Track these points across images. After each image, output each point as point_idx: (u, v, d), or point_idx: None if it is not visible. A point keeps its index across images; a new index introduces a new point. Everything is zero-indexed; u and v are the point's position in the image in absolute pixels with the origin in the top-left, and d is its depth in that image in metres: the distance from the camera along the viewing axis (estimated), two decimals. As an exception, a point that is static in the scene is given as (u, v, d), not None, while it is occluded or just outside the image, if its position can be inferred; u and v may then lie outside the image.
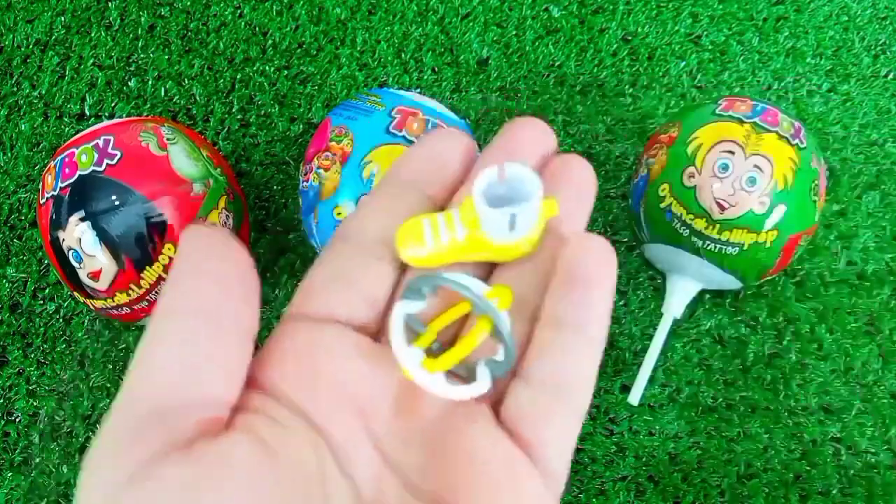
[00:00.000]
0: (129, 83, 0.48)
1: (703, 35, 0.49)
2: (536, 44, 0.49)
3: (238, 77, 0.48)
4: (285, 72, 0.48)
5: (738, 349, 0.43)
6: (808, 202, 0.37)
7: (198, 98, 0.48)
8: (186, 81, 0.48)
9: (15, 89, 0.48)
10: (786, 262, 0.39)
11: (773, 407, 0.42)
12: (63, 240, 0.36)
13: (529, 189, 0.19)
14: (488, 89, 0.48)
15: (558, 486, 0.19)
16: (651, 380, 0.42)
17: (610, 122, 0.47)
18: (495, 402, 0.20)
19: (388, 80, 0.48)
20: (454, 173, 0.22)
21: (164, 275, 0.36)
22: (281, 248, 0.45)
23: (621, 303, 0.44)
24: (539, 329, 0.20)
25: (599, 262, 0.19)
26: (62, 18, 0.49)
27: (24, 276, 0.45)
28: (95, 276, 0.36)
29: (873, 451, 0.41)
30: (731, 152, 0.37)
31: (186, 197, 0.37)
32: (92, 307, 0.39)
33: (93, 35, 0.49)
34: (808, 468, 0.41)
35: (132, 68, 0.49)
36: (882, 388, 0.42)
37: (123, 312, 0.38)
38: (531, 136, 0.22)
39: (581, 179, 0.22)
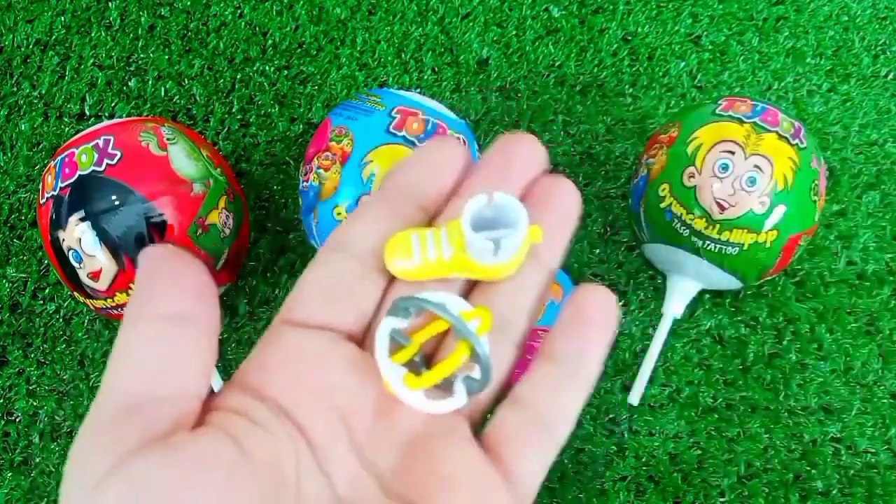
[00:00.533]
0: (129, 83, 0.48)
1: (703, 35, 0.49)
2: (536, 44, 0.49)
3: (238, 77, 0.48)
4: (285, 72, 0.48)
5: (738, 349, 0.43)
6: (808, 202, 0.37)
7: (198, 98, 0.48)
8: (186, 81, 0.48)
9: (15, 89, 0.48)
10: (786, 262, 0.39)
11: (773, 407, 0.42)
12: (63, 240, 0.36)
13: (515, 218, 0.20)
14: (488, 89, 0.48)
15: None
16: (651, 380, 0.42)
17: (610, 122, 0.47)
18: (474, 420, 0.21)
19: (388, 80, 0.48)
20: (448, 184, 0.23)
21: (164, 275, 0.36)
22: (281, 248, 0.45)
23: (621, 303, 0.44)
24: (538, 361, 0.21)
25: (602, 314, 0.21)
26: (62, 18, 0.49)
27: (24, 276, 0.45)
28: (95, 276, 0.36)
29: (873, 451, 0.41)
30: (731, 152, 0.37)
31: (186, 197, 0.37)
32: (92, 307, 0.39)
33: (93, 35, 0.49)
34: (808, 468, 0.41)
35: (132, 68, 0.49)
36: (882, 388, 0.42)
37: (123, 312, 0.38)
38: (524, 154, 0.23)
39: (565, 205, 0.23)
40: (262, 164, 0.47)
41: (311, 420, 0.19)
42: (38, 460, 0.42)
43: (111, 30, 0.49)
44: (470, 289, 0.23)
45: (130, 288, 0.36)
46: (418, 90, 0.48)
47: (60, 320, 0.44)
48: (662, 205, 0.38)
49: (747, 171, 0.36)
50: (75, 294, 0.38)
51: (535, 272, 0.22)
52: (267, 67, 0.48)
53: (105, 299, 0.37)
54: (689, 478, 0.41)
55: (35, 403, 0.43)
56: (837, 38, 0.49)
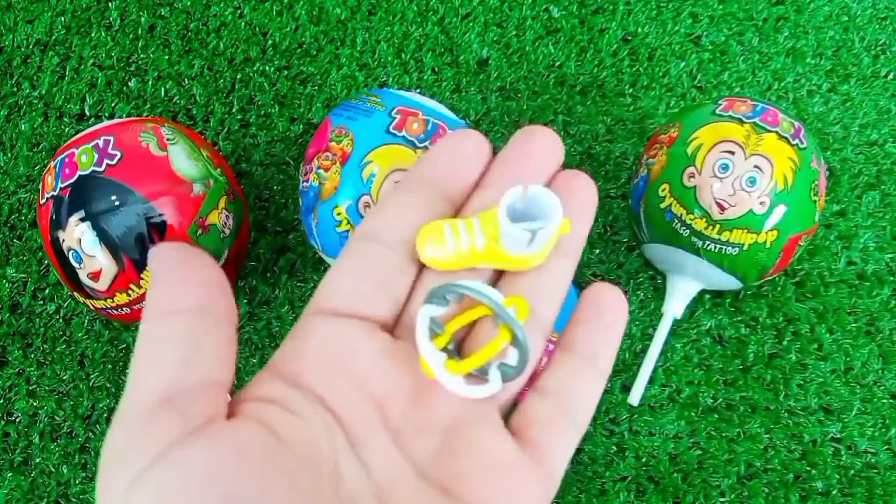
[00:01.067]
0: (129, 83, 0.48)
1: (703, 35, 0.49)
2: (536, 44, 0.49)
3: (238, 77, 0.48)
4: (285, 72, 0.48)
5: (738, 349, 0.43)
6: (808, 202, 0.37)
7: (198, 98, 0.48)
8: (186, 81, 0.48)
9: (15, 89, 0.48)
10: (786, 263, 0.39)
11: (773, 407, 0.42)
12: (63, 240, 0.36)
13: (550, 211, 0.21)
14: (488, 89, 0.48)
15: (552, 488, 0.21)
16: (651, 380, 0.42)
17: (610, 122, 0.47)
18: (502, 409, 0.22)
19: (388, 80, 0.48)
20: (473, 175, 0.24)
21: (164, 275, 0.36)
22: (281, 248, 0.45)
23: (621, 303, 0.44)
24: (559, 352, 0.23)
25: (617, 311, 0.23)
26: (62, 18, 0.49)
27: (24, 276, 0.45)
28: (95, 276, 0.36)
29: (873, 451, 0.41)
30: (731, 152, 0.37)
31: (186, 197, 0.37)
32: (92, 307, 0.39)
33: (93, 35, 0.49)
34: (808, 468, 0.41)
35: (132, 68, 0.49)
36: (882, 388, 0.42)
37: (123, 312, 0.38)
38: (543, 147, 0.23)
39: (585, 198, 0.23)
40: (262, 164, 0.47)
41: (346, 408, 0.20)
42: (38, 460, 0.42)
43: (111, 30, 0.49)
44: (496, 280, 0.23)
45: (130, 288, 0.36)
46: (418, 90, 0.48)
47: (60, 320, 0.44)
48: (662, 205, 0.38)
49: (747, 172, 0.36)
50: (75, 294, 0.38)
51: (561, 263, 0.23)
52: (267, 67, 0.48)
53: (105, 299, 0.37)
54: (689, 478, 0.41)
55: (35, 403, 0.43)
56: (837, 38, 0.49)
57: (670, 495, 0.41)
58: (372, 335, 0.21)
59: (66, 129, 0.47)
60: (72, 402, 0.43)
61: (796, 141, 0.37)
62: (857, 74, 0.48)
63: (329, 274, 0.22)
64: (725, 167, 0.37)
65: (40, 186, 0.38)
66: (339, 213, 0.37)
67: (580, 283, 0.44)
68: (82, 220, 0.35)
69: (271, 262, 0.45)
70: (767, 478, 0.41)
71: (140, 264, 0.36)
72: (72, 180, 0.36)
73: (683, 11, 0.49)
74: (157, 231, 0.36)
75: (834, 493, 0.41)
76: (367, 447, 0.20)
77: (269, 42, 0.49)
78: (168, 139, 0.38)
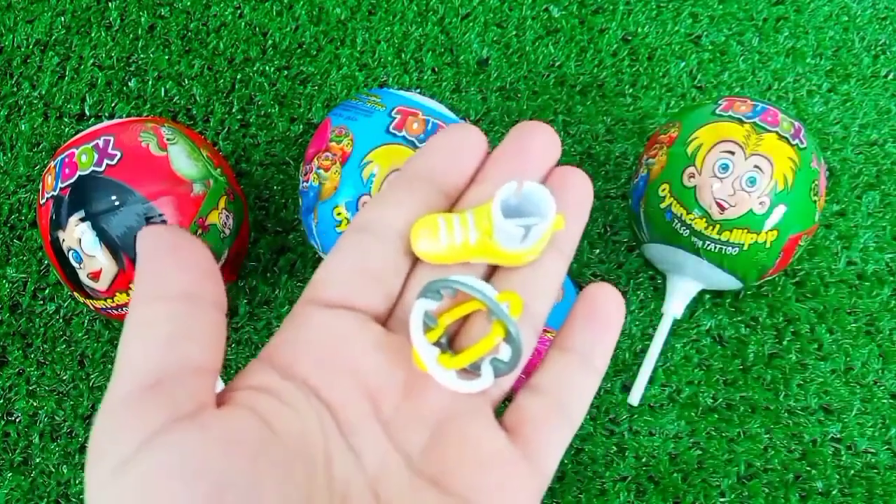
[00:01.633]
0: (129, 83, 0.48)
1: (703, 35, 0.49)
2: (536, 44, 0.49)
3: (238, 77, 0.48)
4: (285, 72, 0.48)
5: (738, 349, 0.43)
6: (808, 202, 0.37)
7: (198, 98, 0.48)
8: (186, 81, 0.48)
9: (15, 89, 0.48)
10: (786, 263, 0.39)
11: (773, 407, 0.42)
12: (63, 240, 0.36)
13: (544, 207, 0.21)
14: (488, 89, 0.48)
15: (544, 484, 0.21)
16: (651, 380, 0.42)
17: (610, 122, 0.47)
18: (494, 405, 0.22)
19: (388, 80, 0.48)
20: (469, 170, 0.24)
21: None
22: (281, 248, 0.45)
23: (621, 303, 0.44)
24: (554, 350, 0.23)
25: (614, 310, 0.23)
26: (62, 18, 0.49)
27: (24, 276, 0.45)
28: (95, 276, 0.36)
29: (873, 451, 0.41)
30: (731, 152, 0.37)
31: (186, 197, 0.37)
32: (92, 307, 0.39)
33: (93, 35, 0.49)
34: (808, 468, 0.41)
35: (132, 68, 0.49)
36: (882, 388, 0.42)
37: (123, 312, 0.38)
38: (541, 143, 0.23)
39: (580, 194, 0.23)
40: (262, 164, 0.47)
41: (339, 399, 0.20)
42: (38, 460, 0.42)
43: (111, 30, 0.49)
44: (490, 275, 0.23)
45: (130, 288, 0.36)
46: (418, 90, 0.48)
47: (60, 320, 0.44)
48: (662, 205, 0.38)
49: (747, 172, 0.36)
50: (75, 294, 0.38)
51: (554, 259, 0.23)
52: (267, 67, 0.48)
53: (105, 299, 0.37)
54: (689, 478, 0.41)
55: (35, 403, 0.43)
56: (837, 38, 0.49)
57: (670, 495, 0.41)
58: (365, 327, 0.21)
59: (66, 129, 0.47)
60: (72, 402, 0.43)
61: (796, 141, 0.37)
62: (857, 74, 0.48)
63: (323, 265, 0.22)
64: (725, 167, 0.37)
65: (40, 186, 0.38)
66: (339, 213, 0.37)
67: (580, 283, 0.44)
68: (82, 220, 0.35)
69: (271, 262, 0.45)
70: (767, 478, 0.41)
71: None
72: (72, 180, 0.36)
73: (683, 11, 0.49)
74: (157, 231, 0.36)
75: (834, 493, 0.41)
76: (360, 438, 0.20)
77: (269, 42, 0.49)
78: (168, 139, 0.38)
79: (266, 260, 0.45)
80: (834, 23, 0.49)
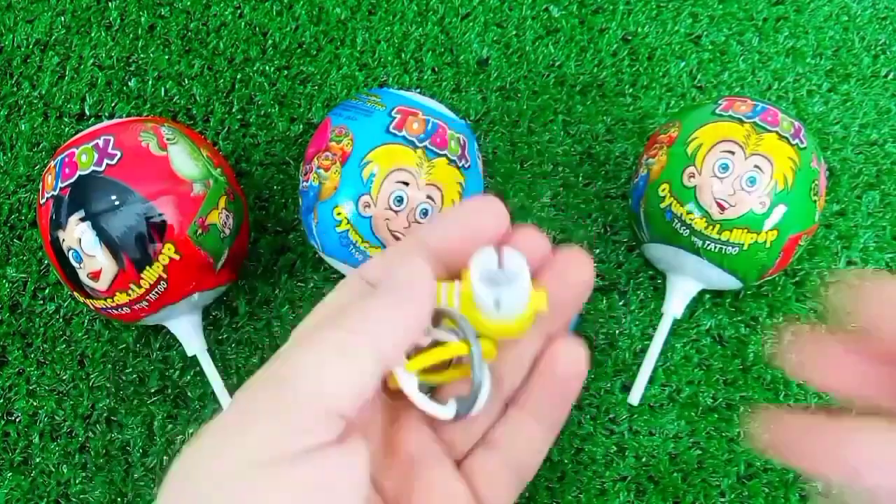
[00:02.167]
0: (129, 83, 0.48)
1: (703, 35, 0.49)
2: (536, 44, 0.49)
3: (238, 77, 0.48)
4: (285, 72, 0.48)
5: (738, 349, 0.43)
6: (808, 202, 0.37)
7: (198, 98, 0.48)
8: (186, 81, 0.48)
9: (15, 89, 0.48)
10: (786, 263, 0.39)
11: (773, 407, 0.42)
12: (63, 240, 0.36)
13: (517, 279, 0.21)
14: (488, 89, 0.48)
15: None
16: (651, 380, 0.42)
17: (610, 122, 0.47)
18: (455, 459, 0.24)
19: (388, 80, 0.48)
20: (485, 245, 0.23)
21: (163, 275, 0.36)
22: (281, 248, 0.45)
23: (621, 303, 0.44)
24: (513, 409, 0.24)
25: (574, 370, 0.23)
26: (62, 18, 0.49)
27: (24, 276, 0.45)
28: (95, 276, 0.36)
29: (873, 451, 0.41)
30: (732, 152, 0.37)
31: (186, 197, 0.37)
32: (92, 307, 0.39)
33: (93, 35, 0.49)
34: (808, 468, 0.41)
35: (132, 68, 0.49)
36: (882, 388, 0.42)
37: (123, 312, 0.38)
38: (487, 221, 0.23)
39: (580, 279, 0.23)
40: (262, 164, 0.47)
41: None
42: (38, 460, 0.42)
43: (111, 30, 0.49)
44: None
45: (130, 288, 0.36)
46: (418, 90, 0.48)
47: (60, 320, 0.44)
48: (662, 205, 0.38)
49: (747, 171, 0.36)
50: (75, 294, 0.38)
51: (535, 339, 0.24)
52: (267, 67, 0.48)
53: (105, 299, 0.37)
54: (689, 478, 0.41)
55: (35, 403, 0.43)
56: (837, 38, 0.49)
57: (670, 495, 0.41)
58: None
59: (66, 129, 0.47)
60: (72, 402, 0.43)
61: (796, 141, 0.37)
62: (857, 74, 0.48)
63: (319, 307, 0.22)
64: (725, 167, 0.37)
65: (40, 186, 0.38)
66: (338, 213, 0.37)
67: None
68: (82, 219, 0.35)
69: (271, 262, 0.45)
70: (767, 478, 0.41)
71: (140, 264, 0.36)
72: (72, 180, 0.36)
73: (683, 11, 0.49)
74: (157, 231, 0.36)
75: (834, 492, 0.41)
76: None
77: (269, 42, 0.49)
78: (168, 139, 0.38)
79: (266, 260, 0.45)
80: (834, 23, 0.49)
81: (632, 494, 0.41)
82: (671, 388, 0.42)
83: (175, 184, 0.36)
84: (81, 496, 0.42)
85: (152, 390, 0.43)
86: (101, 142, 0.36)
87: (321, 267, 0.45)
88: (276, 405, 0.18)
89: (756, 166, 0.36)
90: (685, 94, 0.47)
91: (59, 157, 0.37)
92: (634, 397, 0.42)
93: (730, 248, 0.37)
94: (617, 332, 0.43)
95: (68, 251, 0.36)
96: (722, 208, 0.37)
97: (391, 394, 0.23)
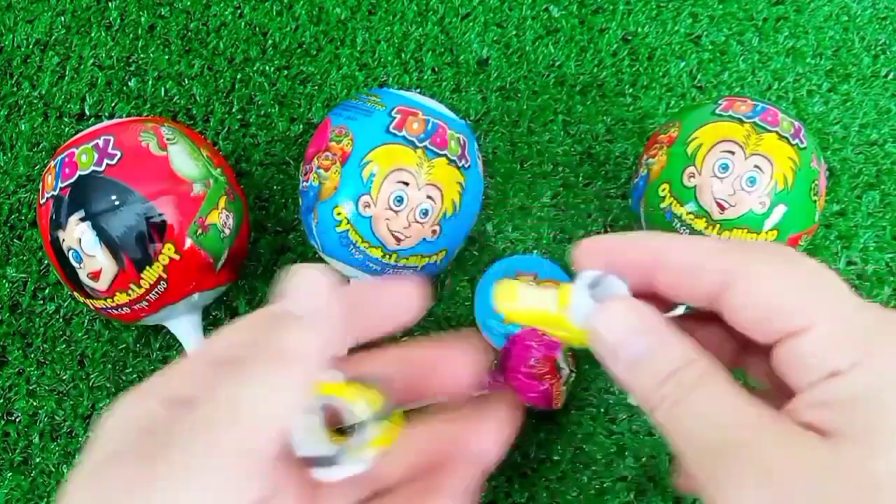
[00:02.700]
0: (129, 83, 0.48)
1: (703, 35, 0.49)
2: (536, 44, 0.49)
3: (238, 77, 0.48)
4: (285, 72, 0.48)
5: (738, 349, 0.43)
6: (808, 202, 0.37)
7: (198, 98, 0.48)
8: (186, 81, 0.48)
9: (15, 89, 0.48)
10: (786, 262, 0.39)
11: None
12: (63, 240, 0.36)
13: (617, 290, 0.22)
14: (488, 89, 0.48)
15: None
16: (651, 380, 0.42)
17: (610, 122, 0.47)
18: None
19: (388, 80, 0.48)
20: (389, 329, 0.22)
21: (163, 275, 0.36)
22: (281, 248, 0.45)
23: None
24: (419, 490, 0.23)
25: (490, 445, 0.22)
26: (62, 18, 0.49)
27: (24, 276, 0.45)
28: (95, 276, 0.36)
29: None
30: (732, 152, 0.37)
31: (186, 197, 0.37)
32: (92, 307, 0.39)
33: (93, 35, 0.49)
34: (808, 468, 0.41)
35: (132, 68, 0.49)
36: (882, 388, 0.42)
37: (123, 312, 0.38)
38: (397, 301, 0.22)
39: (503, 418, 0.22)
40: (262, 164, 0.47)
41: None
42: (38, 460, 0.42)
43: (111, 30, 0.49)
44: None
45: (130, 288, 0.36)
46: (418, 90, 0.48)
47: (60, 320, 0.44)
48: (662, 205, 0.38)
49: (747, 171, 0.36)
50: (75, 294, 0.38)
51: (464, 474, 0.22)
52: (267, 67, 0.48)
53: (105, 299, 0.37)
54: (689, 478, 0.41)
55: (35, 403, 0.43)
56: (837, 38, 0.49)
57: (670, 495, 0.41)
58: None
59: (66, 129, 0.47)
60: (72, 402, 0.43)
61: (796, 141, 0.37)
62: (857, 74, 0.48)
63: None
64: (725, 167, 0.37)
65: (40, 186, 0.38)
66: (338, 213, 0.37)
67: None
68: (82, 219, 0.35)
69: (271, 262, 0.45)
70: (767, 478, 0.41)
71: (140, 264, 0.36)
72: (72, 180, 0.36)
73: (683, 11, 0.49)
74: (157, 231, 0.36)
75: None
76: None
77: (269, 42, 0.49)
78: (168, 139, 0.38)
79: (266, 260, 0.45)
80: (834, 23, 0.49)
81: (632, 494, 0.41)
82: (671, 388, 0.42)
83: (175, 184, 0.36)
84: (81, 496, 0.42)
85: (152, 390, 0.43)
86: (101, 142, 0.36)
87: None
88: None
89: (756, 166, 0.36)
90: (685, 94, 0.47)
91: (59, 157, 0.37)
92: (634, 397, 0.42)
93: (730, 248, 0.37)
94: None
95: (68, 251, 0.36)
96: (722, 208, 0.37)
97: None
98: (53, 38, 0.49)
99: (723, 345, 0.24)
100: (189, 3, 0.49)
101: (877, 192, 0.45)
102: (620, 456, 0.41)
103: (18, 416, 0.43)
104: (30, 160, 0.47)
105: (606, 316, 0.21)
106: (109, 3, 0.50)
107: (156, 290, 0.37)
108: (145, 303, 0.37)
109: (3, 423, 0.43)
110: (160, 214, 0.36)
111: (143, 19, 0.49)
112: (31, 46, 0.49)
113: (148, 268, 0.36)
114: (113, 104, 0.48)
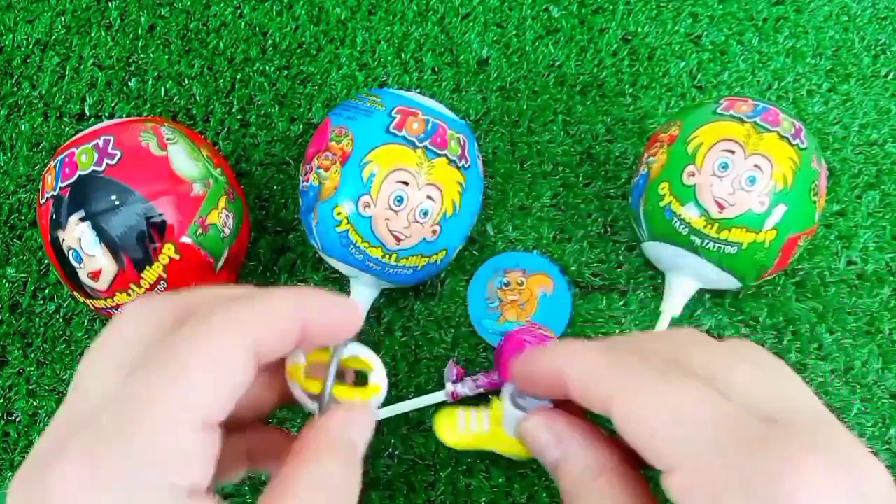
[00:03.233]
0: (129, 83, 0.48)
1: (703, 35, 0.49)
2: (536, 44, 0.49)
3: (238, 77, 0.48)
4: (285, 72, 0.48)
5: (738, 349, 0.43)
6: (808, 202, 0.37)
7: (198, 98, 0.48)
8: (186, 81, 0.48)
9: (15, 89, 0.48)
10: (785, 263, 0.39)
11: (773, 407, 0.42)
12: (63, 240, 0.36)
13: (540, 400, 0.26)
14: (488, 89, 0.48)
15: None
16: (651, 380, 0.42)
17: (610, 122, 0.47)
18: None
19: (388, 80, 0.48)
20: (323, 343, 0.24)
21: (163, 275, 0.36)
22: (281, 248, 0.45)
23: (621, 303, 0.44)
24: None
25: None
26: (62, 18, 0.49)
27: (24, 276, 0.45)
28: (95, 276, 0.36)
29: (873, 451, 0.41)
30: (732, 151, 0.37)
31: (186, 197, 0.37)
32: (92, 307, 0.39)
33: (93, 35, 0.49)
34: (808, 468, 0.41)
35: (132, 68, 0.49)
36: (882, 388, 0.42)
37: (123, 312, 0.38)
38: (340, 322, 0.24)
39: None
40: (262, 164, 0.47)
41: None
42: (38, 460, 0.42)
43: (111, 30, 0.49)
44: None
45: (130, 288, 0.36)
46: (418, 90, 0.48)
47: (60, 320, 0.44)
48: (662, 203, 0.38)
49: (747, 171, 0.36)
50: (75, 294, 0.38)
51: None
52: (267, 67, 0.48)
53: (105, 299, 0.37)
54: (689, 478, 0.41)
55: (35, 403, 0.43)
56: (837, 38, 0.49)
57: (670, 495, 0.41)
58: None
59: (66, 129, 0.47)
60: (72, 402, 0.43)
61: (797, 141, 0.37)
62: (857, 74, 0.48)
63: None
64: (725, 166, 0.37)
65: (40, 186, 0.38)
66: (338, 213, 0.37)
67: (579, 283, 0.44)
68: (82, 219, 0.35)
69: (271, 262, 0.45)
70: (767, 478, 0.41)
71: (140, 264, 0.36)
72: (72, 180, 0.36)
73: (683, 11, 0.49)
74: (157, 231, 0.36)
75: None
76: None
77: (269, 42, 0.49)
78: (168, 139, 0.38)
79: (266, 260, 0.45)
80: (834, 23, 0.49)
81: (632, 494, 0.41)
82: (671, 387, 0.42)
83: (175, 184, 0.36)
84: (81, 496, 0.42)
85: (152, 390, 0.43)
86: (101, 142, 0.36)
87: (321, 267, 0.45)
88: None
89: (756, 166, 0.36)
90: (685, 94, 0.47)
91: (59, 157, 0.37)
92: (634, 397, 0.41)
93: (728, 247, 0.37)
94: (616, 331, 0.43)
95: (68, 251, 0.36)
96: (721, 207, 0.37)
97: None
98: (53, 38, 0.49)
99: None
100: (189, 3, 0.49)
101: (877, 192, 0.45)
102: (620, 456, 0.41)
103: (18, 416, 0.43)
104: (30, 160, 0.47)
105: (526, 428, 0.25)
106: (109, 3, 0.50)
107: (156, 290, 0.37)
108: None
109: (3, 423, 0.43)
110: (160, 214, 0.36)
111: (143, 19, 0.49)
112: (31, 46, 0.49)
113: (148, 268, 0.36)
114: (113, 104, 0.48)
